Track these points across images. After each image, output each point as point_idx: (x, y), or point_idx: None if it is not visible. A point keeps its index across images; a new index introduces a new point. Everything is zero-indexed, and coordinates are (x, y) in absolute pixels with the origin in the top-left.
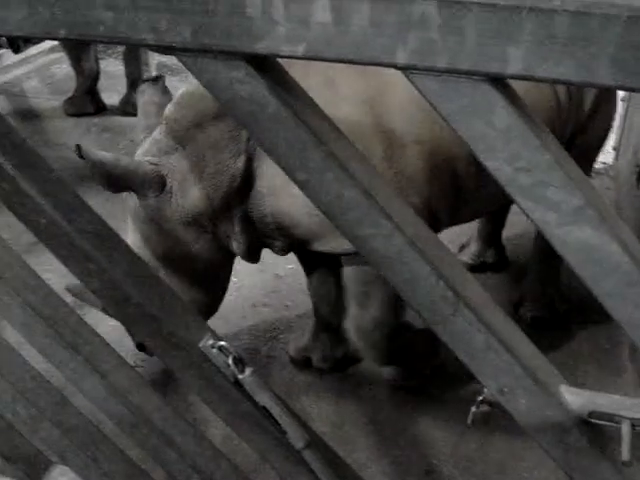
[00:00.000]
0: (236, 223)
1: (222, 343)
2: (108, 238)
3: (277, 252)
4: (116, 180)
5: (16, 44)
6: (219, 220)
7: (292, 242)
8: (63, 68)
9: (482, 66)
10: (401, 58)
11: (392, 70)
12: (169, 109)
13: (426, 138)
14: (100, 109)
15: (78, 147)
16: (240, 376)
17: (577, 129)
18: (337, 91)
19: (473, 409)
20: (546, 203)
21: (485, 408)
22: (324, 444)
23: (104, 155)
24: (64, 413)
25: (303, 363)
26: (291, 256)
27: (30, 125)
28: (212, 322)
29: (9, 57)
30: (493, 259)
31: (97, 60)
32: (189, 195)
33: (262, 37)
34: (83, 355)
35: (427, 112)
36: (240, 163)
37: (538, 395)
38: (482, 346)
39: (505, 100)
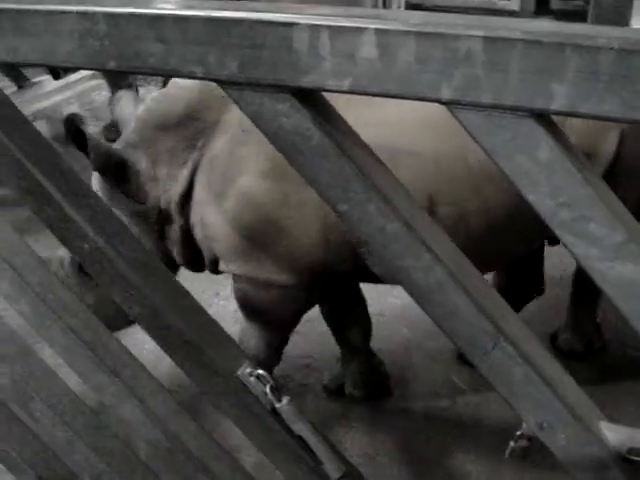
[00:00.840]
0: (176, 230)
1: (260, 371)
2: (150, 265)
3: (210, 269)
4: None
5: (56, 71)
6: (164, 223)
7: (214, 257)
8: (102, 95)
9: (526, 102)
10: (446, 93)
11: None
12: (140, 110)
13: None
14: None
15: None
16: (277, 405)
17: None
18: None
19: (512, 443)
20: (588, 238)
21: (523, 443)
22: (360, 475)
23: (88, 129)
24: (101, 436)
25: (336, 392)
26: None
27: (70, 150)
28: None
29: (50, 83)
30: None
31: (136, 88)
32: (141, 191)
33: (308, 71)
34: (122, 380)
35: None
36: (186, 171)
37: (577, 431)
38: (522, 380)
39: (548, 135)
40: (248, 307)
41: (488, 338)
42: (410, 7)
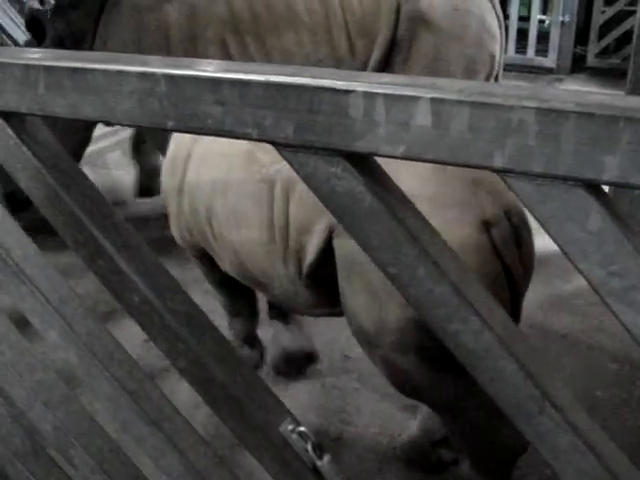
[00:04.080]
0: None
1: (302, 429)
2: (198, 318)
3: None
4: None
5: None
6: None
7: None
8: None
9: (578, 172)
10: (498, 162)
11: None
12: None
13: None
14: None
15: None
16: (318, 463)
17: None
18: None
19: None
20: (637, 307)
21: None
22: None
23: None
24: None
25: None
26: None
27: (111, 197)
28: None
29: (99, 128)
30: None
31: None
32: None
33: (362, 137)
34: (164, 432)
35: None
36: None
37: None
38: (567, 447)
39: (600, 205)
40: None
41: (534, 404)
42: None
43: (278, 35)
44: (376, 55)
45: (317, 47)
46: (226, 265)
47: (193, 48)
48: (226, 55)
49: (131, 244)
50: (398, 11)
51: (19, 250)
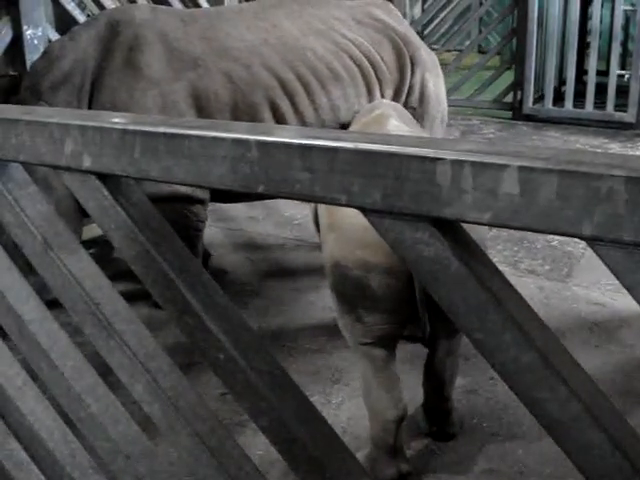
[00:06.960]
0: None
1: None
2: (281, 378)
3: None
4: None
5: None
6: None
7: None
8: None
9: None
10: (587, 230)
11: None
12: None
13: None
14: None
15: None
16: None
17: None
18: None
19: None
20: None
21: None
22: None
23: None
24: None
25: None
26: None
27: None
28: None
29: None
30: None
31: None
32: None
33: (449, 204)
34: None
35: None
36: None
37: None
38: None
39: None
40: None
41: (623, 476)
42: (523, 117)
43: (327, 92)
44: (399, 101)
45: (359, 99)
46: None
47: (234, 114)
48: (279, 116)
49: (217, 302)
50: (412, 61)
51: (109, 305)
